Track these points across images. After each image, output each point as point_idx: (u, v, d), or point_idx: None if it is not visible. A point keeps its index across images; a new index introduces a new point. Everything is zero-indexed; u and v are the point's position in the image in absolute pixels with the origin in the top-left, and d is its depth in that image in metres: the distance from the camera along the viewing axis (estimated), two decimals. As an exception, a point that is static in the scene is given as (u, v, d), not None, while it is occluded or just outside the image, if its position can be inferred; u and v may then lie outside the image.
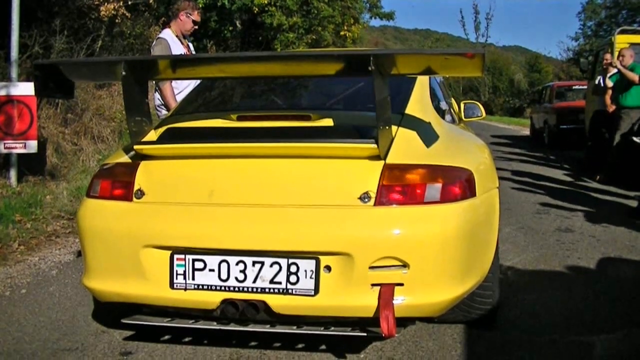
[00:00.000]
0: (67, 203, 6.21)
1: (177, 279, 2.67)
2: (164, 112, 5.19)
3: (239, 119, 3.03)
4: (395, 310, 2.49)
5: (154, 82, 5.22)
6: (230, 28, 23.89)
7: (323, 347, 2.97)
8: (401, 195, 2.62)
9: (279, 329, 2.67)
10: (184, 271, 2.66)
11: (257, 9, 22.84)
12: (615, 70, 8.58)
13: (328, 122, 2.89)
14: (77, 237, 5.19)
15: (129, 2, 12.89)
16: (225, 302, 2.61)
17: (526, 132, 20.43)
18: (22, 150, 6.78)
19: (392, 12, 32.86)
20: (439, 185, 2.64)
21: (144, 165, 2.89)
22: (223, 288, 2.62)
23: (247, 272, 2.61)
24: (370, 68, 2.51)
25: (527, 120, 24.78)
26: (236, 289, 2.61)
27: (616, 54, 8.92)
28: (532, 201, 6.97)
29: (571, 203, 6.87)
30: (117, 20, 12.03)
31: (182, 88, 5.22)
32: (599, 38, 37.08)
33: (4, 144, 6.68)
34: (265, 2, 22.70)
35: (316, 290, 2.55)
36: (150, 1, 13.97)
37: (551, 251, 4.83)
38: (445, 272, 2.61)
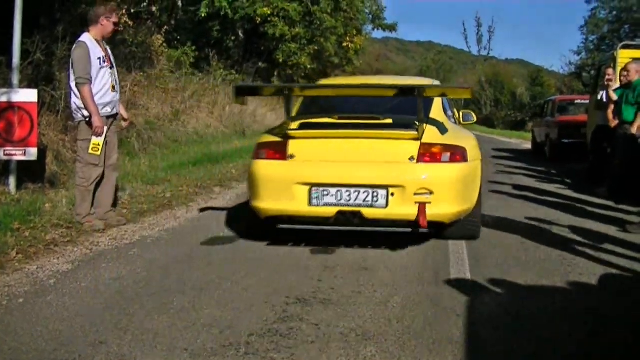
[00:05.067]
0: (66, 212, 6.19)
1: (313, 200, 4.93)
2: (85, 112, 5.73)
3: (339, 118, 5.29)
4: (427, 216, 4.77)
5: (72, 85, 5.80)
6: (233, 38, 23.93)
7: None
8: (430, 158, 4.93)
9: (367, 229, 5.09)
10: (317, 196, 4.92)
11: (259, 19, 22.88)
12: (617, 85, 8.58)
13: (389, 120, 5.19)
14: (75, 246, 5.28)
15: (132, 10, 12.93)
16: (338, 213, 4.87)
17: (528, 145, 20.42)
18: (22, 158, 6.76)
19: (395, 24, 32.96)
20: (448, 154, 4.98)
21: (291, 141, 5.08)
22: (338, 204, 4.89)
23: (351, 196, 4.89)
24: (415, 93, 4.97)
25: (528, 134, 24.74)
26: (345, 205, 4.88)
27: (619, 68, 8.92)
28: (534, 216, 6.94)
29: (573, 218, 6.85)
30: (119, 29, 12.05)
31: (96, 91, 5.77)
32: (601, 52, 37.09)
33: (4, 150, 6.66)
34: (268, 12, 22.72)
35: (387, 205, 4.86)
36: (154, 9, 14.01)
37: (553, 267, 4.81)
38: (452, 197, 4.95)
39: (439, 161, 4.92)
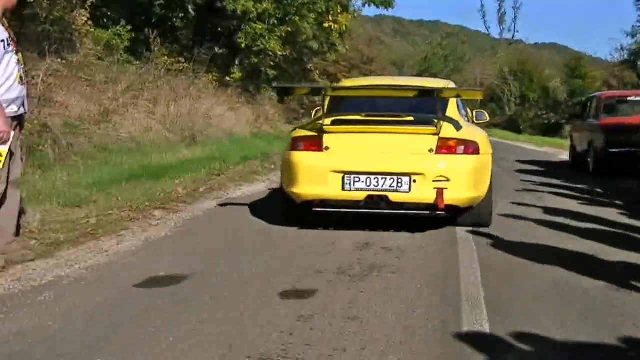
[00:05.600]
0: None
1: (345, 186, 7.31)
2: None
3: (367, 115, 7.73)
4: (444, 200, 7.16)
5: None
6: (181, 15, 23.85)
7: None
8: (446, 150, 7.31)
9: (392, 211, 7.46)
10: (349, 182, 7.30)
11: (216, -9, 22.80)
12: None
13: (411, 118, 7.66)
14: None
15: (47, -22, 12.83)
16: (367, 197, 7.29)
17: (564, 156, 20.58)
18: None
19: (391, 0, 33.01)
20: (463, 147, 7.35)
21: (325, 135, 7.47)
22: (367, 189, 7.29)
23: (379, 182, 7.27)
24: (435, 95, 7.63)
25: (565, 141, 24.97)
26: (373, 190, 7.28)
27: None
28: (572, 249, 6.95)
29: (625, 252, 6.83)
30: (29, 0, 11.97)
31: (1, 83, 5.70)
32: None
33: None
34: (227, -18, 22.68)
35: (410, 190, 7.24)
36: (75, -23, 13.96)
37: (598, 316, 4.80)
38: (466, 184, 7.34)
39: (455, 153, 7.32)
